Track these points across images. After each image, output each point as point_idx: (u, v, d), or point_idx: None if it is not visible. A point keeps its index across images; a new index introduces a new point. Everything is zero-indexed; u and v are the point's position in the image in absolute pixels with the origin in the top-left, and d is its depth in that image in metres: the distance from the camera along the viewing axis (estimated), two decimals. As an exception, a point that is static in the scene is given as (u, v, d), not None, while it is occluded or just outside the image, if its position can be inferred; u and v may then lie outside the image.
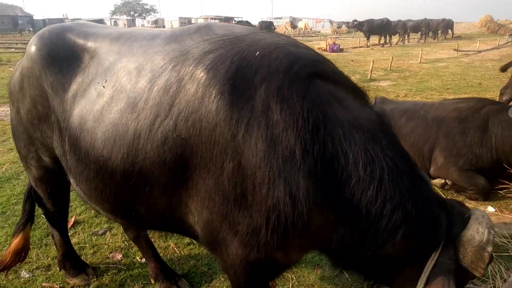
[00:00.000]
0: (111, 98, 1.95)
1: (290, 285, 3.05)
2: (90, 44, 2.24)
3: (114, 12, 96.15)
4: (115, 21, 71.49)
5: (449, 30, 36.75)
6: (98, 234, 3.79)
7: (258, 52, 1.65)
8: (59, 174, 2.48)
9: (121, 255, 3.44)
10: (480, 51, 22.88)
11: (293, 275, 3.14)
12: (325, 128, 1.54)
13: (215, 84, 1.62)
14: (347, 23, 42.77)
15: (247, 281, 1.91)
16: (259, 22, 49.83)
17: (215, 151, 1.62)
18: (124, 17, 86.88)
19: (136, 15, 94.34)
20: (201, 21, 55.90)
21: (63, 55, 2.22)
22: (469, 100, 5.00)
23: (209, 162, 1.66)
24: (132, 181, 1.90)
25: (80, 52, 2.22)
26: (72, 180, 2.32)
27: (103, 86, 2.00)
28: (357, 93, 1.75)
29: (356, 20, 32.73)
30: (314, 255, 3.36)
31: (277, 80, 1.58)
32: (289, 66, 1.61)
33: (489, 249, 1.54)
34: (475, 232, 1.56)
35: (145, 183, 1.87)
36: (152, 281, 3.05)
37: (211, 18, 57.79)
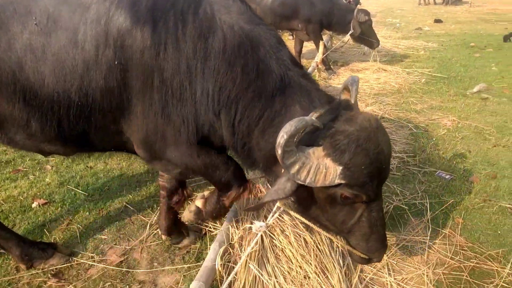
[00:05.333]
0: (49, 35, 2.04)
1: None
2: None
3: None
4: None
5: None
6: None
7: None
8: None
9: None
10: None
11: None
12: (209, 30, 2.02)
13: (139, 15, 2.00)
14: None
15: (204, 167, 2.33)
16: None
17: (146, 72, 2.02)
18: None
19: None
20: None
21: None
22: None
23: (143, 82, 2.04)
24: (86, 109, 2.13)
25: None
26: (10, 131, 2.29)
27: (36, 24, 2.05)
28: (240, 2, 2.19)
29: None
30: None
31: (179, 3, 2.05)
32: None
33: (279, 151, 1.71)
34: (278, 136, 1.72)
35: (98, 110, 2.14)
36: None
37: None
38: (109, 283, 2.77)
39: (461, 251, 3.12)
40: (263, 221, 2.25)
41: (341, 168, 1.76)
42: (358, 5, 8.87)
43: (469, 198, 3.82)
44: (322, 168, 1.76)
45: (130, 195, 3.77)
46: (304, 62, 9.17)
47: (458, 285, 2.81)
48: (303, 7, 7.73)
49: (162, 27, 1.99)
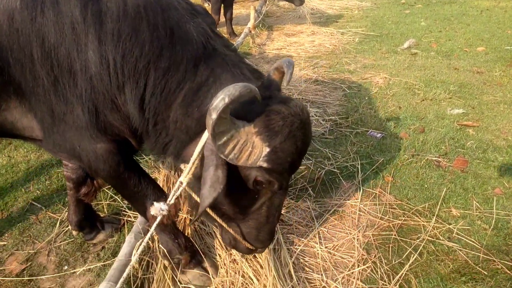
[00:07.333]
0: None
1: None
2: None
3: None
4: None
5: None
6: None
7: None
8: None
9: None
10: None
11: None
12: None
13: None
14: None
15: (108, 166, 1.97)
16: None
17: (21, 40, 1.65)
18: None
19: None
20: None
21: None
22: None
23: (18, 54, 1.68)
24: None
25: None
26: None
27: None
28: None
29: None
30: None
31: None
32: None
33: (214, 115, 1.44)
34: (215, 98, 1.46)
35: None
36: None
37: None
38: (7, 297, 2.41)
39: (390, 209, 3.10)
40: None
41: (268, 150, 1.60)
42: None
43: (398, 155, 3.81)
44: (249, 146, 1.59)
45: (38, 191, 3.34)
46: (237, 28, 8.79)
47: (387, 244, 2.77)
48: None
49: None
